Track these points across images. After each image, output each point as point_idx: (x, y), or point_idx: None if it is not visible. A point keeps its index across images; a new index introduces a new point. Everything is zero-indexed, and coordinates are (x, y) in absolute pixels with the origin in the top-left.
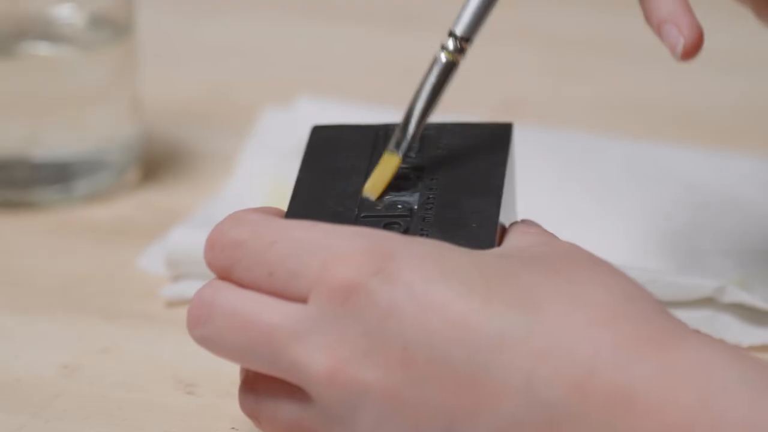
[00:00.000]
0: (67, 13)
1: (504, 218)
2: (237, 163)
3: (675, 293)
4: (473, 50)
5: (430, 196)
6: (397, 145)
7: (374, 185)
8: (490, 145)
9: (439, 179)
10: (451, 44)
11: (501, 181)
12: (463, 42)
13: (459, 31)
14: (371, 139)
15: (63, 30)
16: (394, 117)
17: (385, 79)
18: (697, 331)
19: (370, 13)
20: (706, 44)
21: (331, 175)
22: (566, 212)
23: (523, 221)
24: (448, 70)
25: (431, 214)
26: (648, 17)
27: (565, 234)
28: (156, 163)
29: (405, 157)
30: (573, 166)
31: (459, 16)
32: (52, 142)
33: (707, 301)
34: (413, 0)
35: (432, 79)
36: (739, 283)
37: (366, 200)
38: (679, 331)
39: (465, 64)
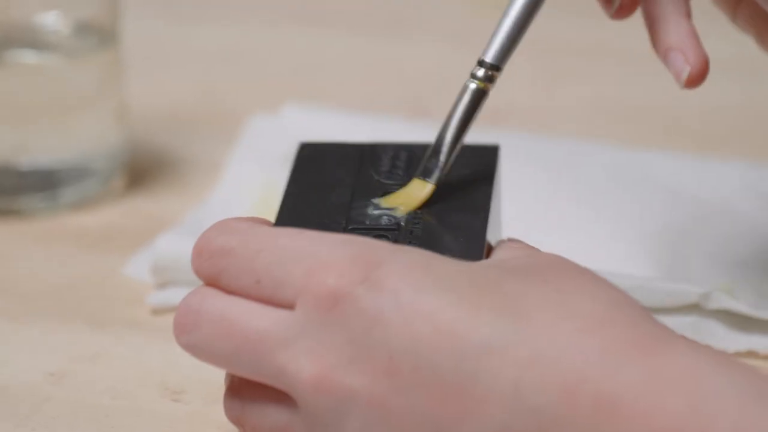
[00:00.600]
0: (53, 21)
1: (490, 237)
2: (224, 170)
3: (661, 299)
4: (458, 56)
5: (418, 212)
6: (427, 173)
7: (401, 203)
8: (477, 165)
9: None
10: (480, 73)
11: (488, 198)
12: (493, 70)
13: (489, 59)
14: (358, 157)
15: (49, 38)
16: (381, 124)
17: (374, 85)
18: (684, 337)
19: (360, 20)
20: None
21: (318, 189)
22: (553, 218)
23: (509, 239)
24: (478, 99)
25: (419, 228)
26: (655, 43)
27: (551, 240)
28: (143, 170)
29: (393, 175)
30: (560, 172)
31: (488, 44)
32: (39, 150)
33: (693, 308)
34: (403, 7)
35: (462, 107)
36: (724, 290)
37: (353, 214)
38: (666, 336)
39: (451, 70)
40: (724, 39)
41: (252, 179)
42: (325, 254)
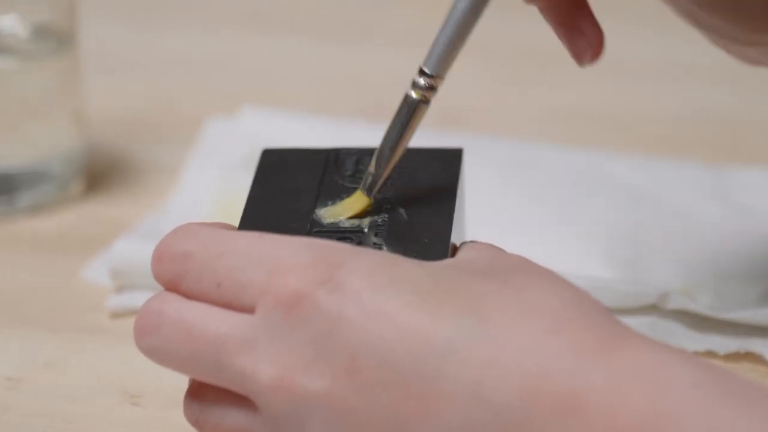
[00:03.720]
0: (11, 25)
1: (454, 239)
2: (182, 174)
3: (619, 300)
4: (416, 60)
5: (383, 214)
6: (368, 186)
7: (335, 214)
8: (441, 168)
9: (391, 199)
10: (422, 81)
11: (452, 200)
12: (435, 79)
13: (430, 68)
14: (322, 163)
15: (6, 41)
16: (338, 129)
17: (332, 91)
18: (645, 336)
19: (318, 26)
20: (656, 54)
21: (282, 195)
22: (512, 220)
23: (473, 241)
24: (418, 110)
25: (383, 230)
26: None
27: (511, 242)
28: (100, 174)
29: (357, 179)
30: (519, 174)
31: (430, 52)
32: None
33: (651, 308)
34: (361, 13)
35: (402, 118)
36: (682, 291)
37: (317, 217)
38: (627, 335)
39: (409, 75)
40: (684, 45)
41: (210, 183)
42: (287, 256)
